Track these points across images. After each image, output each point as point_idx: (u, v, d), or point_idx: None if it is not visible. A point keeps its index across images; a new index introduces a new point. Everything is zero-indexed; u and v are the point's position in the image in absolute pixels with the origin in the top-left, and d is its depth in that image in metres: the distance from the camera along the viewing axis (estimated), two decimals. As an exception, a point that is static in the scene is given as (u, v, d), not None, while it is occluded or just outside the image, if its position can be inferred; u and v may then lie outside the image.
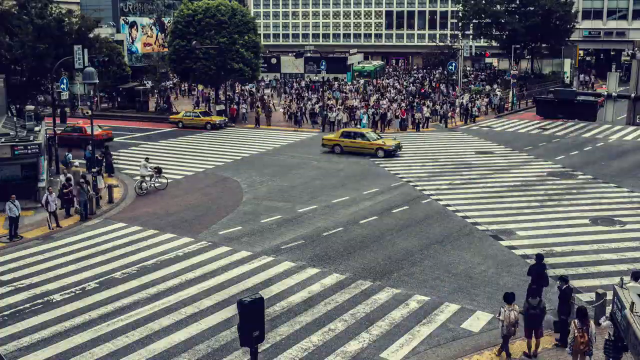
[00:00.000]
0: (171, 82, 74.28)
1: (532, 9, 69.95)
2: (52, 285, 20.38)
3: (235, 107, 56.02)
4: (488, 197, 30.12)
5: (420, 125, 49.95)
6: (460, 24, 78.31)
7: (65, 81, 41.42)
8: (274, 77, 79.95)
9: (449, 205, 28.77)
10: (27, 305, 18.92)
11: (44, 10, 40.38)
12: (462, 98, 57.69)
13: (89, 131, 35.81)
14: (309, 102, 56.24)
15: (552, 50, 74.61)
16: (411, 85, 72.23)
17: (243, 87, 68.74)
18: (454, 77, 67.94)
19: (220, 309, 18.47)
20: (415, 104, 54.53)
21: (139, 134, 49.42)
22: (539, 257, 18.15)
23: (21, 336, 17.00)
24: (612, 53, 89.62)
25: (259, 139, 46.53)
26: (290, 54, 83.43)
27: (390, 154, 39.16)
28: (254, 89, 67.76)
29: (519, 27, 69.05)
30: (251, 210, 28.38)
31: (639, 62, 17.17)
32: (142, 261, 22.41)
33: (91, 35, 41.86)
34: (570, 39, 75.11)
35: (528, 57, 76.72)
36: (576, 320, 14.47)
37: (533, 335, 15.67)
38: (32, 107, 36.96)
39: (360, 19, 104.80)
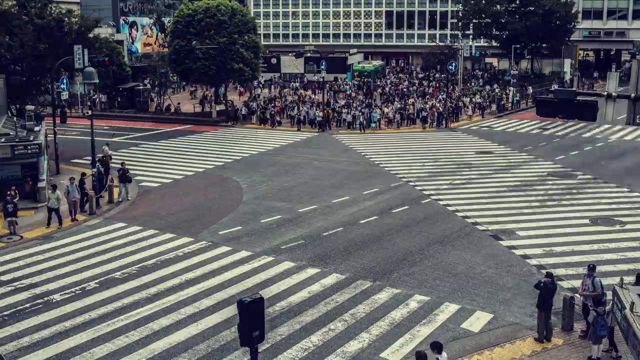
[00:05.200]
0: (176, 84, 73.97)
1: (532, 9, 69.91)
2: (52, 285, 20.37)
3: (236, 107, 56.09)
4: (488, 197, 30.11)
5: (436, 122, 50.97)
6: (460, 24, 78.26)
7: (65, 81, 41.42)
8: (272, 77, 79.73)
9: (449, 205, 28.77)
10: (27, 305, 18.91)
11: (43, 10, 40.34)
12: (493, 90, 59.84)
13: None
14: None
15: (552, 50, 74.57)
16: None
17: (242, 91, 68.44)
18: (455, 77, 67.94)
19: (220, 309, 18.47)
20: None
21: (139, 134, 49.42)
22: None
23: (21, 336, 17.00)
24: (612, 53, 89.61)
25: (259, 139, 46.54)
26: (290, 54, 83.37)
27: None
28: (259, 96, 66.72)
29: (519, 27, 69.03)
30: (251, 210, 28.37)
31: (639, 62, 17.17)
32: (142, 261, 22.41)
33: (91, 35, 41.82)
34: (570, 39, 75.07)
35: (528, 57, 76.68)
36: None
37: None
38: (32, 107, 36.90)
39: (360, 19, 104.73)
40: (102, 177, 31.27)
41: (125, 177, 30.77)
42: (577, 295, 17.19)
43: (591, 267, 16.85)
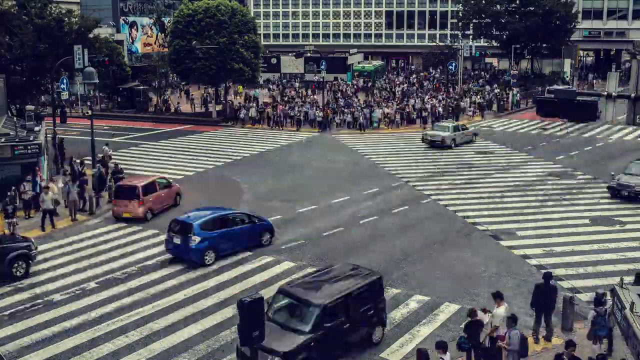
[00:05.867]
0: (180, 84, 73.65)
1: (532, 9, 69.87)
2: (52, 285, 20.39)
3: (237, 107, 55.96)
4: (488, 197, 30.12)
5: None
6: (460, 24, 78.24)
7: (65, 81, 41.41)
8: (272, 76, 79.41)
9: (449, 205, 28.77)
10: (27, 305, 18.94)
11: (43, 10, 40.38)
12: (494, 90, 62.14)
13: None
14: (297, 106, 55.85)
15: (552, 50, 74.53)
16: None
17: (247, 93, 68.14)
18: (455, 77, 67.95)
19: (220, 309, 18.47)
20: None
21: (139, 134, 49.42)
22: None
23: (21, 336, 17.01)
24: (612, 53, 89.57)
25: (259, 139, 46.52)
26: (290, 54, 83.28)
27: None
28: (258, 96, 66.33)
29: (519, 27, 68.99)
30: (251, 210, 28.32)
31: (639, 62, 17.19)
32: (142, 261, 22.42)
33: (91, 35, 41.83)
34: (570, 39, 75.04)
35: (528, 57, 76.64)
36: None
37: None
38: (32, 107, 36.90)
39: (360, 19, 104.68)
40: (103, 177, 31.27)
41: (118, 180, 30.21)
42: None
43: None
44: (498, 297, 15.35)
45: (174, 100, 62.87)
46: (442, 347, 13.31)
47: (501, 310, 14.95)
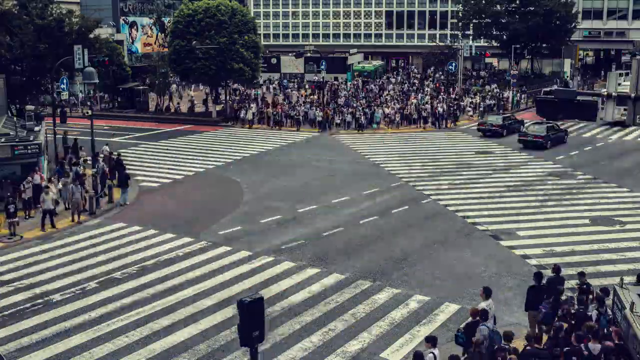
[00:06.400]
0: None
1: (532, 9, 69.89)
2: (52, 285, 20.38)
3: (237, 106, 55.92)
4: (488, 197, 30.13)
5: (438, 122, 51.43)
6: (460, 24, 78.23)
7: (65, 81, 41.41)
8: (269, 77, 79.23)
9: (449, 205, 28.77)
10: (27, 305, 18.92)
11: (44, 11, 40.40)
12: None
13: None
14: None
15: (552, 50, 74.55)
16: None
17: (247, 92, 67.97)
18: (454, 77, 67.95)
19: (220, 309, 18.47)
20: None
21: (139, 134, 49.41)
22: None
23: (21, 336, 17.00)
24: (612, 53, 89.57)
25: (259, 139, 46.52)
26: (290, 54, 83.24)
27: None
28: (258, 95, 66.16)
29: (519, 27, 69.01)
30: (251, 210, 28.36)
31: (639, 62, 17.17)
32: (142, 261, 22.42)
33: (91, 36, 41.82)
34: (571, 39, 75.06)
35: (528, 57, 76.65)
36: None
37: None
38: (32, 107, 36.91)
39: (360, 19, 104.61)
40: (104, 177, 31.28)
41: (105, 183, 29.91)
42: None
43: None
44: (485, 292, 15.34)
45: (174, 100, 62.85)
46: (431, 340, 13.36)
47: (482, 305, 14.96)
